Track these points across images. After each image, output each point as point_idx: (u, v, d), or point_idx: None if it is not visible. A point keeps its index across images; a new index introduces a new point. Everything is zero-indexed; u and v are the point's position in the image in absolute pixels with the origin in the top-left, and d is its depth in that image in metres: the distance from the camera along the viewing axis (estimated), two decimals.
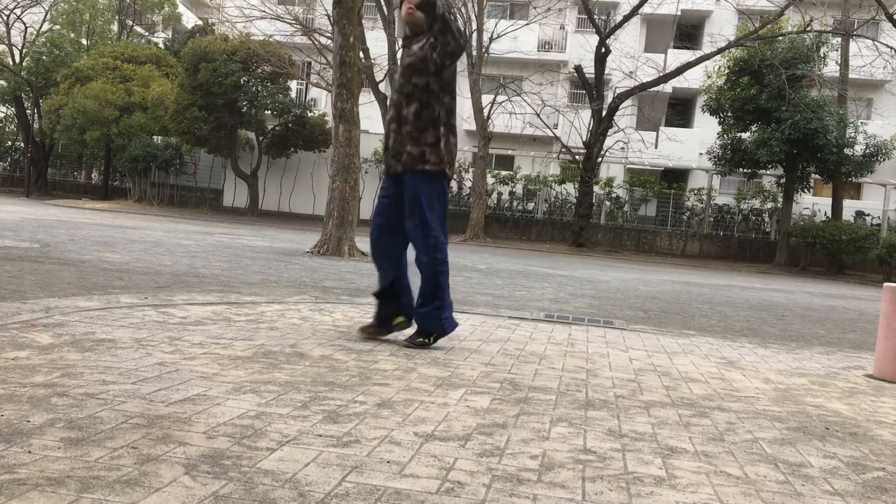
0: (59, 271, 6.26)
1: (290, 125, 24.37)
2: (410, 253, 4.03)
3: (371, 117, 24.29)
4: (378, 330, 4.15)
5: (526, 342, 4.49)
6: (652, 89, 24.17)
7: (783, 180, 23.71)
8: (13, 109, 31.94)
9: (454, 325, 4.06)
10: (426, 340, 3.99)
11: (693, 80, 25.81)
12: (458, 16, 22.10)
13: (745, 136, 22.92)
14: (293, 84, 26.80)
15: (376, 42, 22.46)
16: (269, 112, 24.24)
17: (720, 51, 22.17)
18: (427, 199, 3.92)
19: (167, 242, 10.83)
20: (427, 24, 3.94)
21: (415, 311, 4.04)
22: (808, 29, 21.12)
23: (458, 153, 4.16)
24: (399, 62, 4.09)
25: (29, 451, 1.90)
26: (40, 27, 31.95)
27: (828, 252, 22.14)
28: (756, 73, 21.66)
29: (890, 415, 3.35)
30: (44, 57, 29.49)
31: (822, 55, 22.24)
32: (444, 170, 3.95)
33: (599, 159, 23.93)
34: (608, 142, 23.47)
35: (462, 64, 24.69)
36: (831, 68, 23.59)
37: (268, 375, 2.99)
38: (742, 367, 4.26)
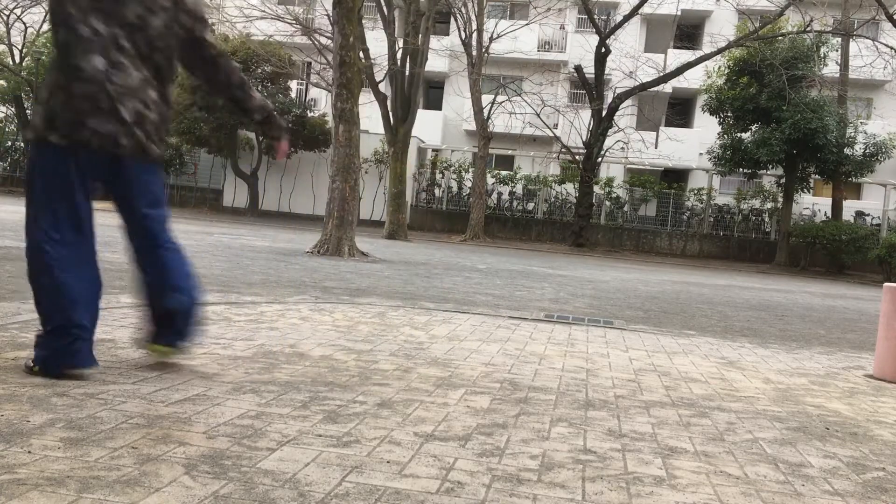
0: None
1: (290, 125, 24.38)
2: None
3: (371, 117, 24.29)
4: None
5: (526, 342, 4.48)
6: (652, 89, 24.18)
7: (783, 180, 23.71)
8: (13, 109, 31.94)
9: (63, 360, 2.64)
10: (31, 367, 2.69)
11: (693, 80, 25.81)
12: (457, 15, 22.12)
13: (745, 136, 22.93)
14: (293, 84, 26.81)
15: (376, 42, 22.44)
16: None
17: (720, 51, 22.17)
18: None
19: None
20: None
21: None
22: (808, 29, 21.12)
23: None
24: None
25: (29, 451, 1.90)
26: (40, 27, 31.93)
27: (828, 252, 22.15)
28: (756, 73, 21.66)
29: (890, 415, 3.35)
30: (44, 57, 29.48)
31: (822, 55, 22.25)
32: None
33: (599, 159, 23.94)
34: (608, 142, 23.48)
35: (462, 64, 24.70)
36: (831, 68, 23.59)
37: (268, 375, 2.99)
38: (742, 367, 4.26)
